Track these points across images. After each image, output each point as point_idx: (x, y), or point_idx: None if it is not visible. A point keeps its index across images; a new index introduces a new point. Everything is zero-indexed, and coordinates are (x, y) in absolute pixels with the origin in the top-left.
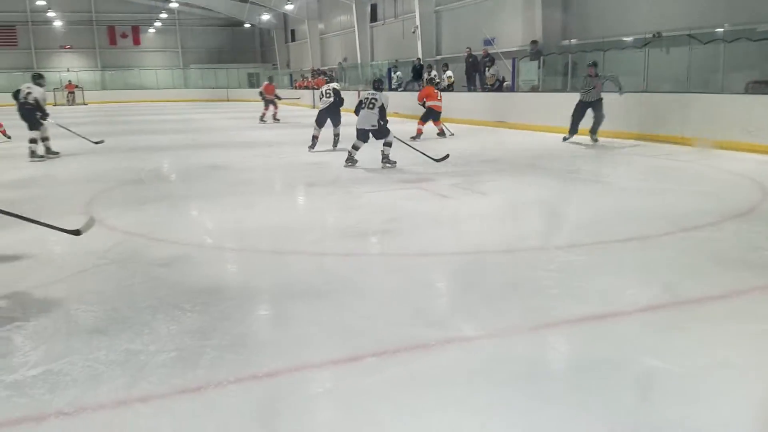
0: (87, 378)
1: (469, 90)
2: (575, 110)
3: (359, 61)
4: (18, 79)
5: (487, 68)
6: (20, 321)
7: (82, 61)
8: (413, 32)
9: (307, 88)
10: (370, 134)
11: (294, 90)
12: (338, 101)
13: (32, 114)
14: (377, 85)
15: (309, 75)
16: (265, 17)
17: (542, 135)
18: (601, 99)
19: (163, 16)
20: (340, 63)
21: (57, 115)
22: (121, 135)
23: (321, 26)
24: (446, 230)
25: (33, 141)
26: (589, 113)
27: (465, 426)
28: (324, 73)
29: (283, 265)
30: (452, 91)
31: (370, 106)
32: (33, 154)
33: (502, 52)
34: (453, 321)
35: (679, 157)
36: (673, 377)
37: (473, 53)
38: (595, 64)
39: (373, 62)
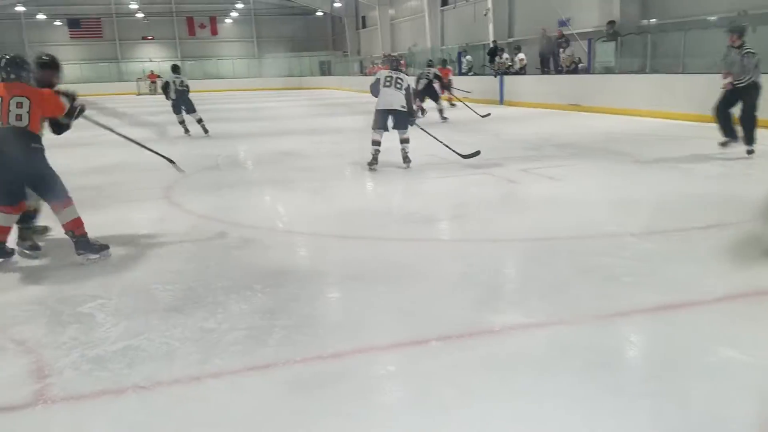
0: (163, 354)
1: (543, 72)
2: (719, 102)
3: (429, 46)
4: (103, 69)
5: (561, 50)
6: (103, 299)
7: (162, 52)
8: (485, 15)
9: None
10: (391, 120)
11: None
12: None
13: (189, 98)
14: (396, 65)
15: (379, 61)
16: (337, 4)
17: (619, 118)
18: (756, 84)
19: (240, 6)
20: (409, 48)
21: (141, 103)
22: (194, 122)
23: (391, 12)
24: (514, 216)
25: (201, 120)
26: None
27: (531, 414)
28: (397, 59)
29: (349, 250)
30: (524, 74)
31: (398, 85)
32: (206, 131)
33: (577, 33)
34: (520, 307)
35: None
36: (749, 369)
37: (547, 35)
38: (740, 31)
39: (443, 47)
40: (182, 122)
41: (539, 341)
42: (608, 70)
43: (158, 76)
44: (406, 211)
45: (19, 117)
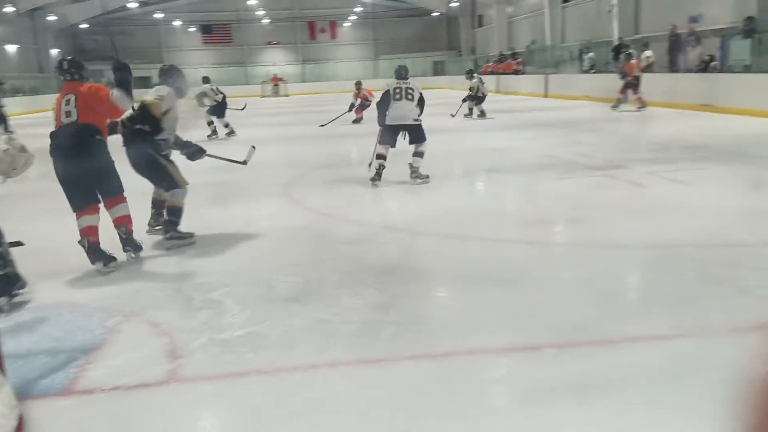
0: (283, 342)
1: (671, 71)
2: None
3: (548, 43)
4: (232, 73)
5: (692, 47)
6: (230, 287)
7: (285, 56)
8: (609, 11)
9: (492, 72)
10: (403, 136)
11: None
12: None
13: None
14: (404, 73)
15: (494, 60)
16: (454, 4)
17: (755, 120)
18: None
19: (358, 9)
20: (527, 46)
21: (264, 105)
22: (316, 123)
23: (509, 10)
24: (639, 221)
25: (228, 124)
26: None
27: (650, 429)
28: (513, 56)
29: (462, 250)
30: (652, 72)
31: (409, 96)
32: (232, 132)
33: (709, 30)
34: (643, 318)
35: None
36: None
37: (677, 31)
38: None
39: (563, 44)
40: (211, 123)
41: (662, 354)
42: (744, 69)
43: (280, 79)
44: (523, 213)
45: (68, 113)
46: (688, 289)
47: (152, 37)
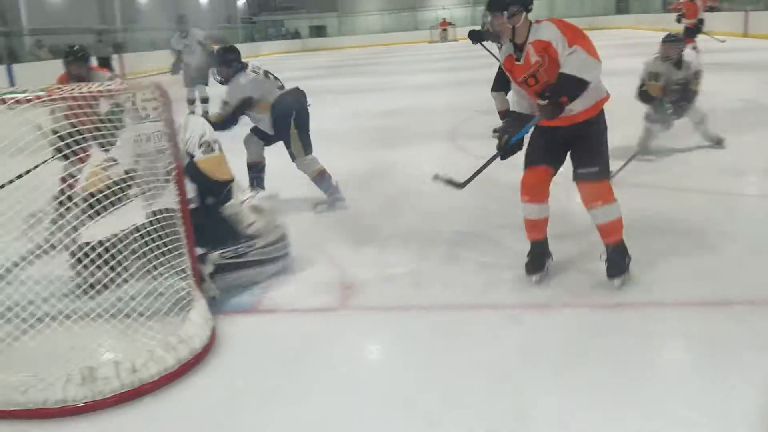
0: (445, 281)
1: None
2: None
3: None
4: (403, 19)
5: None
6: (395, 227)
7: None
8: None
9: (678, 11)
10: None
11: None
12: None
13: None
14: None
15: None
16: None
17: None
18: None
19: None
20: None
21: (433, 51)
22: (479, 68)
23: None
24: None
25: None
26: None
27: None
28: None
29: (642, 199)
30: None
31: None
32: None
33: None
34: None
35: None
36: None
37: None
38: None
39: None
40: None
41: None
42: None
43: (449, 24)
44: (712, 162)
45: None
46: None
47: None
